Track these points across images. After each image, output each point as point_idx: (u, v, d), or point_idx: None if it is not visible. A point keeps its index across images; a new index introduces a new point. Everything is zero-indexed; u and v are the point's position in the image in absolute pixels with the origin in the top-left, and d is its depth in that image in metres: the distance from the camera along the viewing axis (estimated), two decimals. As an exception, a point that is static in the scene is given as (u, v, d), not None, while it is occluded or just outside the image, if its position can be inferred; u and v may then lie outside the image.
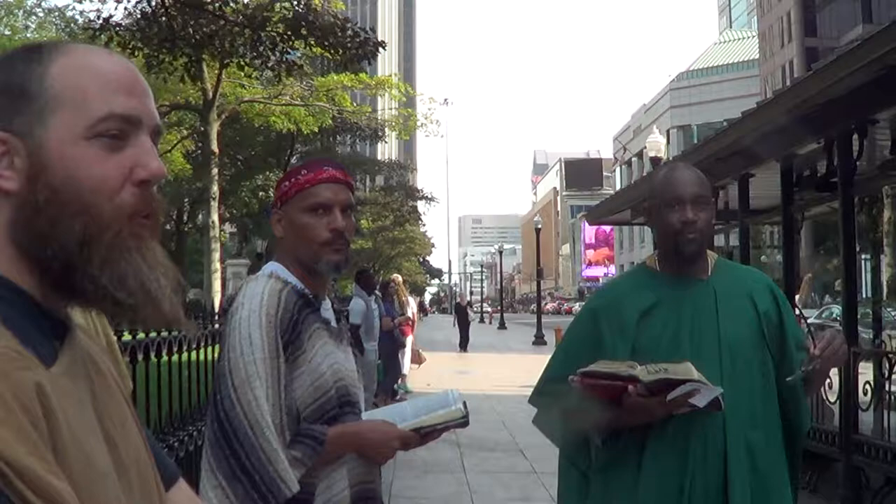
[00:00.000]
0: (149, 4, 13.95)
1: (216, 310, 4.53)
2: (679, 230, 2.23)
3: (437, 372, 16.00)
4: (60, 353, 0.84)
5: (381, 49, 14.54)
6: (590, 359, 2.23)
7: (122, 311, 0.88)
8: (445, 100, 36.81)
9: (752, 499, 2.15)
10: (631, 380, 2.06)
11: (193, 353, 3.96)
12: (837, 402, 6.39)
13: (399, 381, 13.00)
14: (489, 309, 66.80)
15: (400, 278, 14.91)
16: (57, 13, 26.01)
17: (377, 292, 11.30)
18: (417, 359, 14.77)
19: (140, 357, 3.18)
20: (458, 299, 31.25)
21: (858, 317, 6.63)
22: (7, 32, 25.31)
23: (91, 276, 0.85)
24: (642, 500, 2.16)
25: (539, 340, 27.09)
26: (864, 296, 8.56)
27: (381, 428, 1.99)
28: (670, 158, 15.00)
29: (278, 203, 2.03)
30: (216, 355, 4.48)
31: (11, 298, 0.82)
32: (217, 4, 13.42)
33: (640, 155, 59.90)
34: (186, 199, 29.40)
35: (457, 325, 27.37)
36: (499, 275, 74.96)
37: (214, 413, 1.84)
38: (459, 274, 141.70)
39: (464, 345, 24.20)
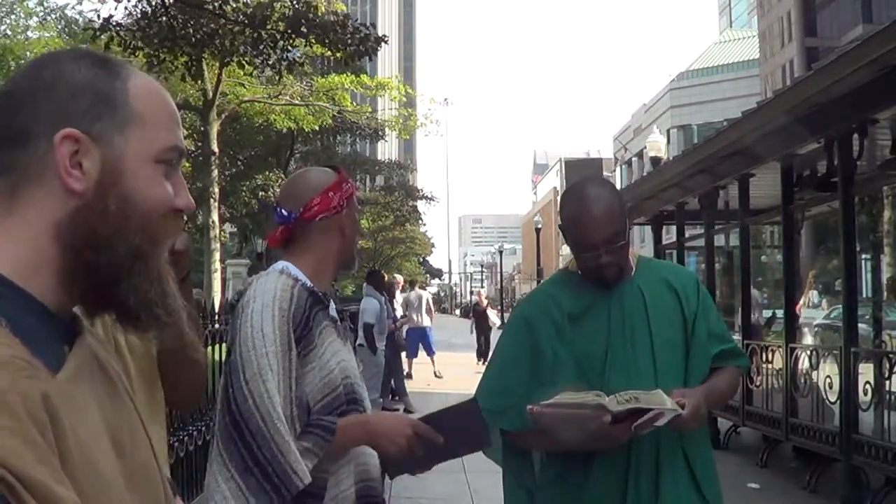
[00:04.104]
0: (149, 4, 13.94)
1: (216, 310, 4.54)
2: (593, 270, 2.21)
3: (440, 373, 15.99)
4: (68, 358, 0.83)
5: (382, 44, 14.51)
6: (529, 367, 2.22)
7: (149, 327, 0.90)
8: (445, 100, 36.84)
9: (684, 495, 2.17)
10: (599, 409, 2.01)
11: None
12: (837, 402, 6.39)
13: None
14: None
15: (401, 280, 14.93)
16: (58, 13, 25.99)
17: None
18: None
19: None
20: (476, 298, 22.67)
21: (865, 317, 6.65)
22: (8, 32, 25.30)
23: (138, 289, 0.88)
24: None
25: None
26: (864, 296, 8.56)
27: (391, 417, 2.03)
28: (670, 158, 15.00)
29: (346, 202, 2.06)
30: (216, 355, 4.49)
31: (21, 302, 0.82)
32: (217, 3, 13.40)
33: (640, 155, 59.87)
34: (186, 199, 29.29)
35: (473, 333, 20.79)
36: (499, 275, 74.86)
37: (226, 406, 1.85)
38: (459, 274, 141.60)
39: (483, 354, 19.19)
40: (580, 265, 2.27)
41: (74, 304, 0.89)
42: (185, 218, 0.95)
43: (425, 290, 18.25)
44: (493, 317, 20.01)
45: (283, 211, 2.03)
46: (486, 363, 2.45)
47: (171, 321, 0.90)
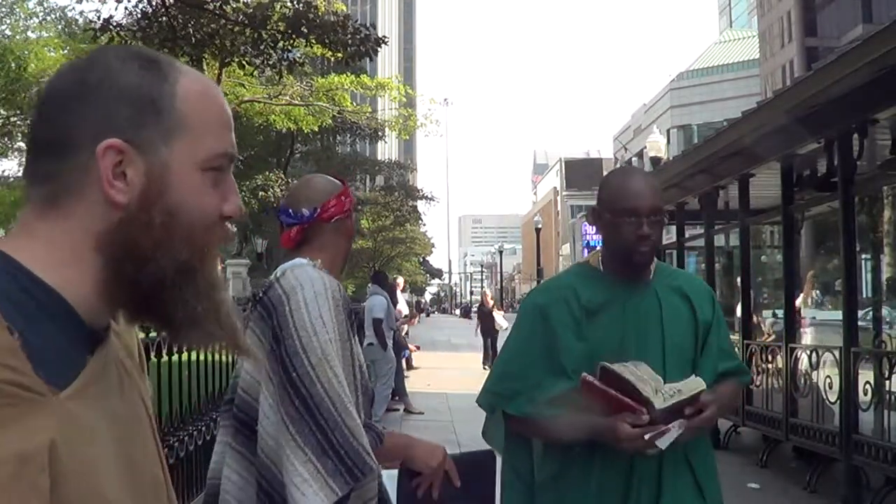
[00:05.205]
0: (149, 4, 13.94)
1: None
2: (633, 243, 2.22)
3: (437, 374, 15.98)
4: (83, 371, 0.80)
5: (382, 44, 14.53)
6: (541, 355, 2.24)
7: (198, 339, 0.88)
8: (445, 100, 36.85)
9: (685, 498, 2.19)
10: (645, 403, 2.04)
11: (194, 354, 3.97)
12: (837, 402, 6.39)
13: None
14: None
15: (401, 282, 14.98)
16: (58, 13, 26.00)
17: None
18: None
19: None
20: (483, 300, 20.55)
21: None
22: (8, 32, 25.31)
23: (186, 304, 0.85)
24: None
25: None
26: (864, 296, 8.55)
27: (425, 440, 2.17)
28: (670, 158, 15.01)
29: (352, 208, 2.17)
30: (216, 355, 4.48)
31: (50, 306, 0.79)
32: (217, 3, 13.40)
33: (640, 155, 59.86)
34: (186, 199, 29.26)
35: (478, 335, 19.10)
36: (499, 275, 74.89)
37: (292, 390, 1.86)
38: (459, 274, 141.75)
39: (489, 359, 17.29)
40: (615, 239, 2.26)
41: (114, 314, 0.87)
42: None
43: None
44: (500, 319, 18.26)
45: (301, 211, 2.09)
46: (499, 353, 2.47)
47: (223, 336, 0.87)
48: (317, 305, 1.90)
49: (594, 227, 2.37)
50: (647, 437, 2.02)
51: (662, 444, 2.04)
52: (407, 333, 15.47)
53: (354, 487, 1.88)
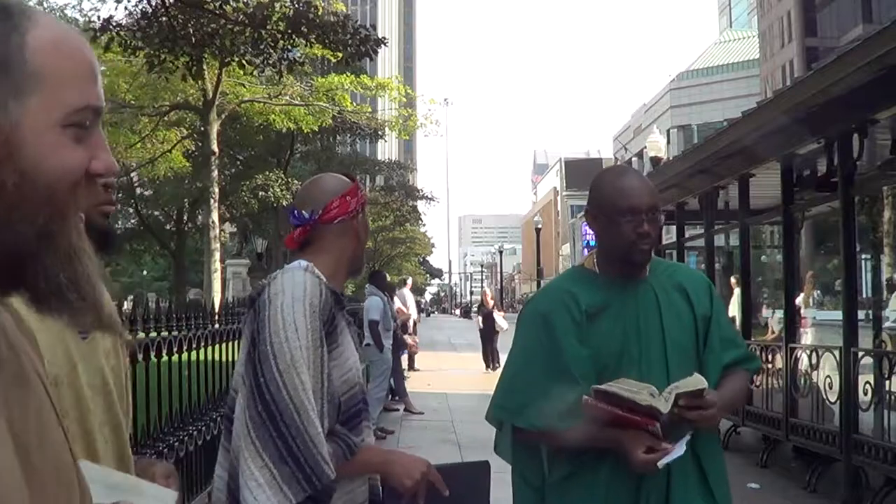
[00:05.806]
0: (149, 4, 13.96)
1: (216, 309, 4.53)
2: (633, 241, 2.21)
3: (437, 374, 15.94)
4: None
5: (382, 45, 14.56)
6: (546, 364, 2.24)
7: (63, 311, 0.82)
8: (445, 100, 36.88)
9: (695, 497, 2.19)
10: (649, 411, 2.04)
11: (193, 354, 3.97)
12: (837, 402, 6.39)
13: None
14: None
15: (411, 281, 14.98)
16: (58, 12, 26.01)
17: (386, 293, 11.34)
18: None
19: (140, 357, 3.17)
20: (483, 300, 19.71)
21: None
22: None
23: (47, 271, 0.79)
24: None
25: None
26: (864, 296, 8.56)
27: (408, 454, 2.12)
28: (670, 158, 15.01)
29: (360, 208, 2.14)
30: (216, 355, 4.47)
31: None
32: (217, 3, 13.41)
33: (640, 155, 59.88)
34: (186, 199, 29.40)
35: (479, 336, 18.43)
36: (499, 275, 74.97)
37: (258, 395, 1.87)
38: (459, 274, 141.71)
39: (491, 362, 16.78)
40: (614, 238, 2.25)
41: None
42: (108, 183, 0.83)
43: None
44: (500, 320, 17.51)
45: (302, 213, 2.08)
46: (503, 366, 2.44)
47: (85, 308, 0.82)
48: (292, 311, 1.90)
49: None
50: (659, 465, 2.04)
51: (679, 452, 2.07)
52: (415, 330, 15.38)
53: (327, 492, 1.87)
